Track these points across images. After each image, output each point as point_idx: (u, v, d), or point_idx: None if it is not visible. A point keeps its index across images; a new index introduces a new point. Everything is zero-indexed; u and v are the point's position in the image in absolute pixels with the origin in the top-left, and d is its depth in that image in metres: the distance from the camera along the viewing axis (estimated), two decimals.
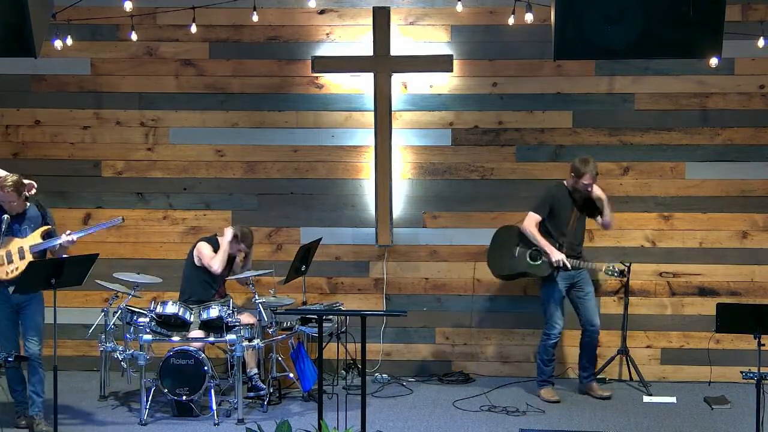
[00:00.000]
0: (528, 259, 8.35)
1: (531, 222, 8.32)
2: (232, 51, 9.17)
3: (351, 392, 7.62)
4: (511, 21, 8.12)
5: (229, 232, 8.42)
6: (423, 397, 8.56)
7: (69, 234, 7.35)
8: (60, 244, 7.34)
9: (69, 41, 8.61)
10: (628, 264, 8.39)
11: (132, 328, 8.16)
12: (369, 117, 9.07)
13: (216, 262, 8.34)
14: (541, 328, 8.95)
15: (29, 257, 7.19)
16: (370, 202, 9.15)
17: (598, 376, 8.62)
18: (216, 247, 8.45)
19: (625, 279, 8.29)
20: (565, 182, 8.37)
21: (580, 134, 9.03)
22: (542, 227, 8.32)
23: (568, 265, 8.18)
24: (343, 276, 9.25)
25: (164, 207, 9.30)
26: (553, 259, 8.18)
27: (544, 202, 8.35)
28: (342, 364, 8.75)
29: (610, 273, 8.22)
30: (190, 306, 8.29)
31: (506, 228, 8.60)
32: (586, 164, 8.18)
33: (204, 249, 8.43)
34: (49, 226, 7.39)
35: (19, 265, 7.15)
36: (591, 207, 8.42)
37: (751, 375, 6.51)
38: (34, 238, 7.27)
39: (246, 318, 8.26)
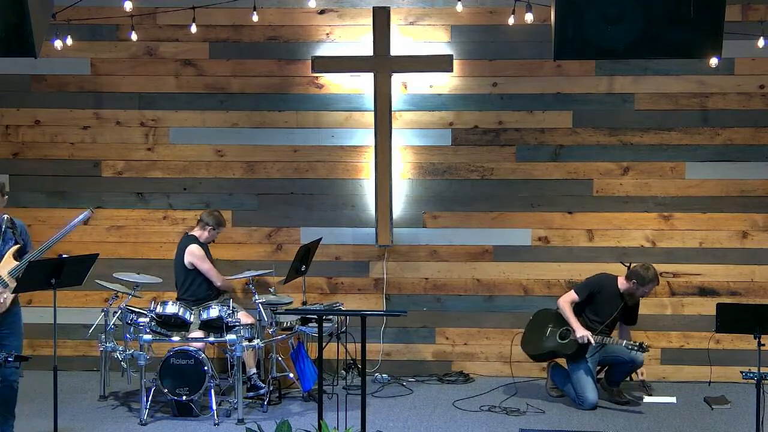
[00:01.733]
0: (558, 337, 8.32)
1: (567, 299, 8.30)
2: (232, 51, 9.17)
3: (351, 392, 7.62)
4: (511, 21, 8.12)
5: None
6: (423, 397, 8.56)
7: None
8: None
9: (69, 41, 8.60)
10: (640, 344, 8.22)
11: (132, 328, 8.16)
12: (369, 117, 9.07)
13: (218, 280, 8.62)
14: None
15: (12, 283, 6.87)
16: (370, 202, 9.15)
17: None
18: (204, 247, 8.58)
19: (647, 352, 8.22)
20: (619, 279, 8.31)
21: (580, 134, 9.03)
22: (579, 309, 8.30)
23: (593, 342, 8.14)
24: (343, 276, 9.25)
25: (164, 207, 9.30)
26: (578, 335, 8.13)
27: (586, 287, 8.33)
28: (342, 364, 8.75)
29: (630, 348, 8.11)
30: (190, 306, 8.30)
31: (543, 311, 8.57)
32: (649, 272, 8.16)
33: (197, 253, 8.49)
34: (19, 245, 7.04)
35: (6, 294, 6.90)
36: (631, 312, 8.43)
37: (751, 375, 6.51)
38: (8, 262, 6.95)
39: (243, 317, 8.26)
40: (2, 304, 6.93)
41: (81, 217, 7.36)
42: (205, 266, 8.52)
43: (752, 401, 6.55)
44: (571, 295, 8.31)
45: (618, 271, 8.50)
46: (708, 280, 8.98)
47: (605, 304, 8.28)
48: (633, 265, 8.35)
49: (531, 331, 8.54)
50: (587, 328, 8.18)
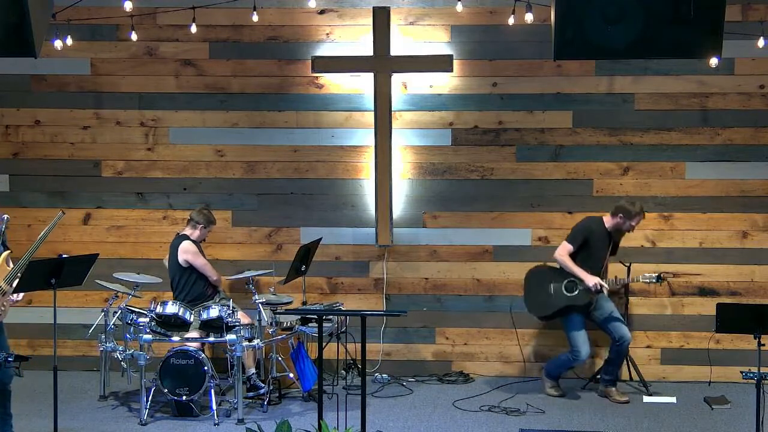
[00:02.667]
0: (565, 292, 8.33)
1: (563, 251, 8.32)
2: (232, 51, 9.17)
3: (351, 392, 7.62)
4: (511, 21, 8.12)
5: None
6: (423, 397, 8.56)
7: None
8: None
9: (69, 41, 8.61)
10: (658, 275, 8.36)
11: (132, 328, 8.16)
12: (369, 117, 9.07)
13: (213, 275, 8.61)
14: (541, 328, 9.01)
15: (8, 288, 6.77)
16: (370, 202, 9.15)
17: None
18: (197, 244, 8.61)
19: (665, 282, 8.30)
20: (604, 218, 8.38)
21: (580, 134, 9.03)
22: (572, 258, 8.32)
23: (606, 287, 8.20)
24: (343, 276, 9.25)
25: (164, 207, 9.30)
26: (590, 284, 8.18)
27: (579, 234, 8.35)
28: (342, 364, 8.75)
29: (648, 281, 8.28)
30: (189, 306, 8.29)
31: (535, 269, 8.56)
32: (635, 206, 8.24)
33: (191, 250, 8.52)
34: (9, 251, 6.94)
35: (5, 302, 6.79)
36: (614, 246, 8.49)
37: (751, 375, 6.50)
38: (2, 268, 6.80)
39: (241, 318, 8.25)
40: (4, 311, 6.89)
41: (54, 221, 7.20)
42: (200, 262, 8.52)
43: (752, 401, 6.55)
44: (566, 247, 8.33)
45: (619, 270, 8.53)
46: (708, 280, 8.98)
47: (597, 247, 8.32)
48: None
49: (532, 292, 8.50)
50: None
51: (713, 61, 7.89)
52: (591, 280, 8.18)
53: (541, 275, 8.46)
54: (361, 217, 9.19)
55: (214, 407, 7.83)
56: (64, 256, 7.22)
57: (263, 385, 8.27)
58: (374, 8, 8.91)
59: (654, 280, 8.28)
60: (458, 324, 9.19)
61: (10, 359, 6.73)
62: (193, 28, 8.56)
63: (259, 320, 8.15)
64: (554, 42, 5.94)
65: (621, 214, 8.26)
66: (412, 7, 9.04)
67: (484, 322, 9.18)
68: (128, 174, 9.28)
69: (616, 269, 8.58)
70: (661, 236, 8.98)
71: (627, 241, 8.94)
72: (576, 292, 8.28)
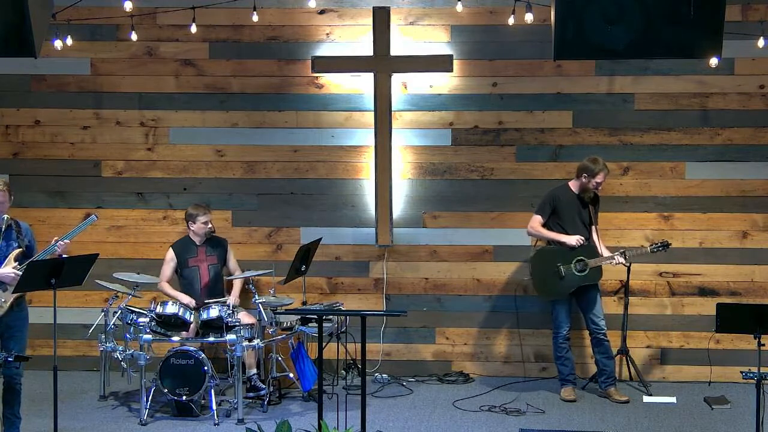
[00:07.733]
0: (576, 272, 8.31)
1: (534, 223, 8.40)
2: (232, 51, 9.17)
3: (351, 392, 7.62)
4: (511, 21, 8.13)
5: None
6: (423, 397, 8.56)
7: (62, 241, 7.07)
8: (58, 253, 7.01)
9: (69, 41, 8.61)
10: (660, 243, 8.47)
11: (132, 328, 8.16)
12: (369, 117, 9.07)
13: (160, 283, 8.60)
14: (541, 328, 9.01)
15: (11, 287, 6.88)
16: (370, 202, 9.15)
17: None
18: (186, 246, 8.59)
19: (668, 249, 8.40)
20: (570, 183, 8.39)
21: (580, 134, 9.03)
22: (551, 229, 8.39)
23: (577, 243, 8.22)
24: (343, 276, 9.25)
25: (164, 207, 9.30)
26: (573, 243, 8.24)
27: (544, 204, 8.42)
28: (342, 364, 8.75)
29: (655, 250, 8.37)
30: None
31: (539, 252, 8.52)
32: (597, 163, 8.25)
33: (166, 258, 8.57)
34: (21, 249, 7.04)
35: (6, 298, 6.90)
36: (595, 213, 8.49)
37: (751, 375, 6.51)
38: (8, 265, 6.92)
39: (245, 318, 8.26)
40: (1, 308, 6.92)
41: (87, 222, 7.36)
42: (162, 269, 8.61)
43: (752, 401, 6.55)
44: (536, 218, 8.41)
45: (619, 269, 8.54)
46: (708, 280, 8.98)
47: (568, 212, 8.36)
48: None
49: (543, 276, 8.44)
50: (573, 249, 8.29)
51: (713, 61, 7.90)
52: (570, 241, 8.25)
53: (548, 257, 8.42)
54: (361, 217, 9.19)
55: (214, 407, 7.83)
56: (63, 256, 7.22)
57: (263, 386, 8.26)
58: (374, 8, 8.91)
59: (659, 247, 8.35)
60: (458, 324, 9.19)
61: (10, 359, 6.74)
62: (193, 28, 8.56)
63: (260, 320, 8.15)
64: (554, 42, 5.94)
65: (585, 174, 8.30)
66: (412, 7, 9.04)
67: (484, 322, 9.18)
68: (128, 174, 9.28)
69: (615, 268, 8.58)
70: (661, 236, 8.94)
71: (627, 241, 8.96)
72: (587, 271, 8.28)
